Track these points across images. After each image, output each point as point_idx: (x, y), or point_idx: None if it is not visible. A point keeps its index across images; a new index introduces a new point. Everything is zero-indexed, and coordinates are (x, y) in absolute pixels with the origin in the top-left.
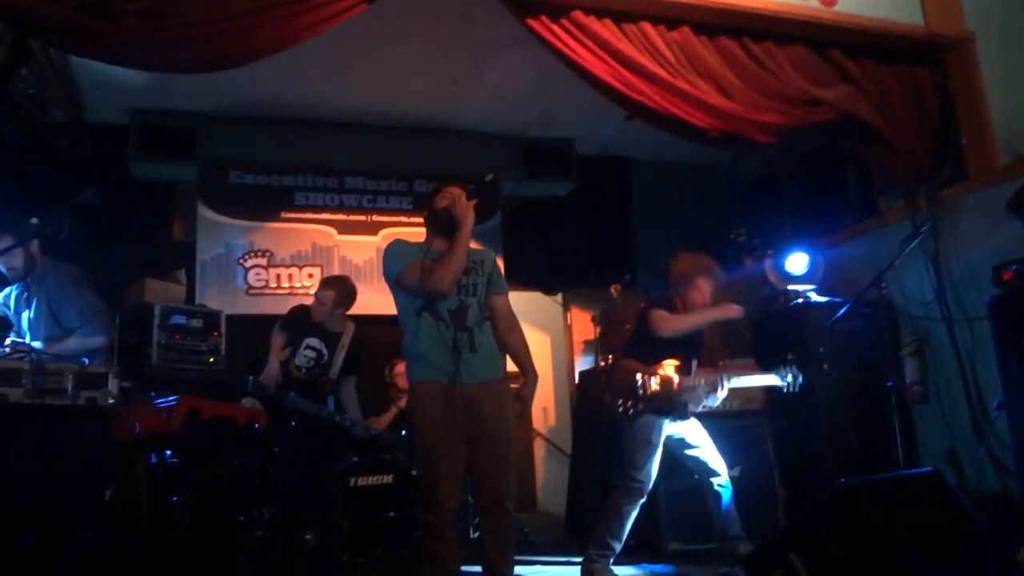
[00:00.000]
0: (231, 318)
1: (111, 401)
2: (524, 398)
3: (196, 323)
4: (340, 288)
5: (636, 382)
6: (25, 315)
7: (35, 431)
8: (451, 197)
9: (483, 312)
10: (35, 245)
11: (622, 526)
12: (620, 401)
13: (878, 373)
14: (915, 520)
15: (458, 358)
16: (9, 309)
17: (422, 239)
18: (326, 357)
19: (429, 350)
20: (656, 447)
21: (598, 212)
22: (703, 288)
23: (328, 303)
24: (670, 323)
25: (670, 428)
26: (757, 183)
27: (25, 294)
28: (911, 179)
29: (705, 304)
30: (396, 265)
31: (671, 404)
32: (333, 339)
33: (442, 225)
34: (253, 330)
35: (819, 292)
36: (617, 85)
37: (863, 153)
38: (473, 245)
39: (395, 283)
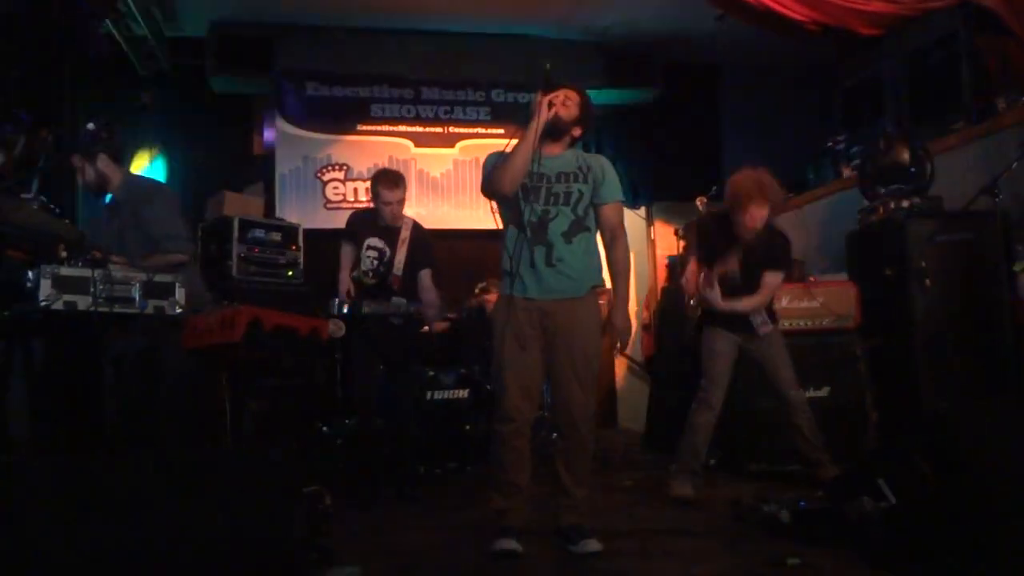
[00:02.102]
0: (309, 232)
1: (178, 310)
2: (614, 326)
3: (275, 236)
4: (401, 181)
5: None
6: (117, 230)
7: (108, 339)
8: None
9: (579, 223)
10: (103, 160)
11: (695, 439)
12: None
13: (987, 290)
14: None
15: (532, 272)
16: (102, 225)
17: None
18: (388, 254)
19: (508, 260)
20: (720, 355)
21: (684, 121)
22: (755, 215)
23: (400, 202)
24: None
25: (741, 340)
26: (858, 86)
27: (116, 209)
28: None
29: (754, 231)
30: (484, 175)
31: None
32: (392, 234)
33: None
34: (331, 244)
35: (923, 202)
36: None
37: (981, 46)
38: (551, 150)
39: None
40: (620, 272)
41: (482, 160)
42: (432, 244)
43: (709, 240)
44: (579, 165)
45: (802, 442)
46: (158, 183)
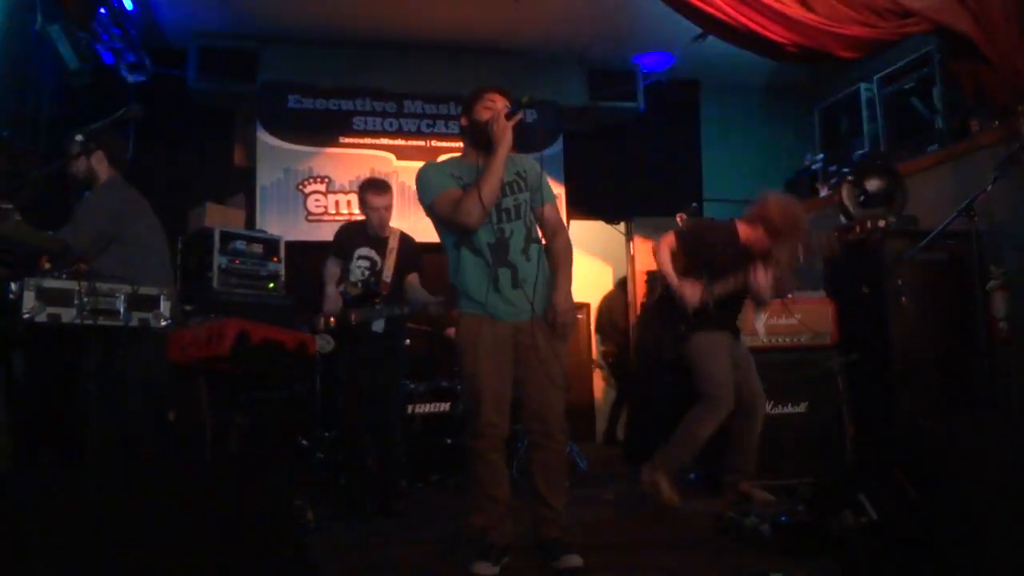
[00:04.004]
0: (290, 244)
1: (164, 323)
2: (554, 306)
3: (256, 248)
4: (388, 188)
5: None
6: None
7: (91, 352)
8: (493, 110)
9: (530, 235)
10: (99, 157)
11: (695, 442)
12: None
13: (962, 309)
14: (1003, 465)
15: (499, 296)
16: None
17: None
18: (379, 264)
19: (470, 285)
20: (722, 355)
21: (664, 138)
22: (792, 254)
23: (387, 208)
24: (662, 255)
25: (729, 342)
26: (835, 106)
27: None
28: (1009, 98)
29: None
30: (428, 194)
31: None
32: (381, 244)
33: (480, 140)
34: (312, 256)
35: (900, 221)
36: None
37: (956, 70)
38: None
39: (429, 212)
40: (563, 261)
41: None
42: (420, 253)
43: (714, 250)
44: (517, 172)
45: (746, 445)
46: (131, 191)
